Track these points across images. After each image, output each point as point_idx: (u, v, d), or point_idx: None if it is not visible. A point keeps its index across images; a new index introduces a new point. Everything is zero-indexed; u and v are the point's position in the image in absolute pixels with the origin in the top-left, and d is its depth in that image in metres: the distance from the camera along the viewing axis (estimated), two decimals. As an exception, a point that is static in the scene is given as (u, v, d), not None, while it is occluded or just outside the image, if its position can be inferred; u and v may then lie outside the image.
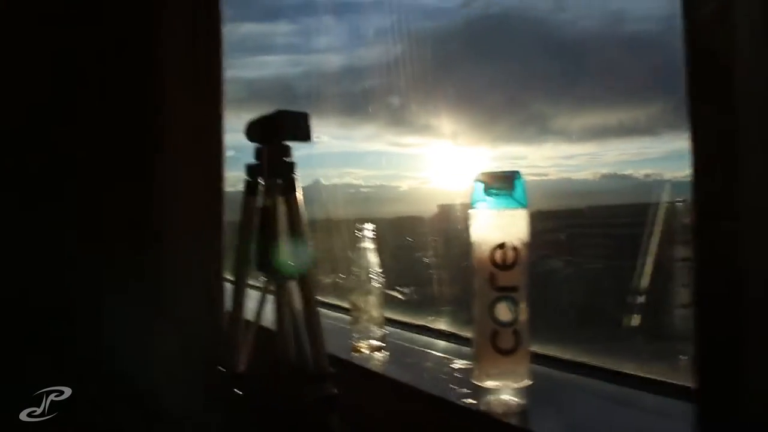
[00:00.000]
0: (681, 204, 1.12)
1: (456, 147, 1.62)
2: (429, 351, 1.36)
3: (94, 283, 1.59)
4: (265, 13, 2.49)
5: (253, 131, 1.11)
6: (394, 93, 1.79)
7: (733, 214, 0.77)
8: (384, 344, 1.35)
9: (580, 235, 1.46)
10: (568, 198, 1.43)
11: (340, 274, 1.85)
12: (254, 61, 2.56)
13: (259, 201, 1.12)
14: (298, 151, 1.15)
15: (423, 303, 1.63)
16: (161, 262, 1.64)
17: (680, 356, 1.06)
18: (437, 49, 1.65)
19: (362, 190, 1.96)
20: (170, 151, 1.66)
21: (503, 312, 0.93)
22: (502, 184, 0.95)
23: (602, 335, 1.28)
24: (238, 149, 1.74)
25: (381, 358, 1.32)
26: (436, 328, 1.51)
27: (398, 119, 1.82)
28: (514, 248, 0.93)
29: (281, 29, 2.49)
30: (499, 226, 0.93)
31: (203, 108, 1.68)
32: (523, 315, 0.94)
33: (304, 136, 1.10)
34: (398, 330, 1.54)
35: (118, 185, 1.67)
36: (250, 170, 1.14)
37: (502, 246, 0.92)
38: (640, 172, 1.29)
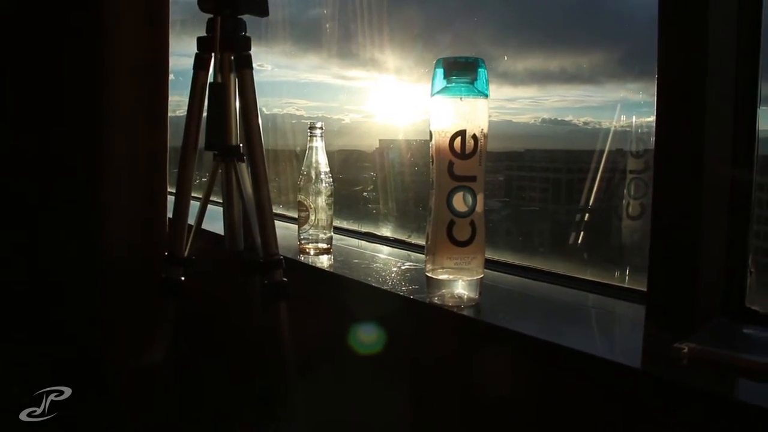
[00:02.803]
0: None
1: (400, 83, 1.59)
2: (377, 254, 1.34)
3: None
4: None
5: (206, 0, 1.03)
6: (341, 24, 1.74)
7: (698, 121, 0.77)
8: (330, 247, 1.32)
9: (517, 178, 1.46)
10: (508, 140, 1.42)
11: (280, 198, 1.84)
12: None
13: (211, 76, 1.06)
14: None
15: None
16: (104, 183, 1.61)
17: (629, 263, 1.08)
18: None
19: (304, 121, 1.91)
20: (114, 72, 1.60)
21: (460, 202, 0.91)
22: (465, 71, 0.91)
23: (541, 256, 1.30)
24: (178, 73, 1.75)
25: (328, 260, 1.29)
26: (383, 235, 1.50)
27: (344, 51, 1.77)
28: (474, 137, 0.90)
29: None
30: (459, 114, 0.90)
31: (148, 30, 1.60)
32: (480, 206, 0.92)
33: (261, 10, 1.03)
34: (345, 236, 1.52)
35: (64, 111, 1.64)
36: (202, 43, 1.07)
37: (462, 135, 0.89)
38: (579, 119, 1.29)
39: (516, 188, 1.46)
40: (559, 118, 1.32)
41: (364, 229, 1.56)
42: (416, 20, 1.56)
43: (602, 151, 1.18)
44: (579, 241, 1.22)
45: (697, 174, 0.78)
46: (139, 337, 1.21)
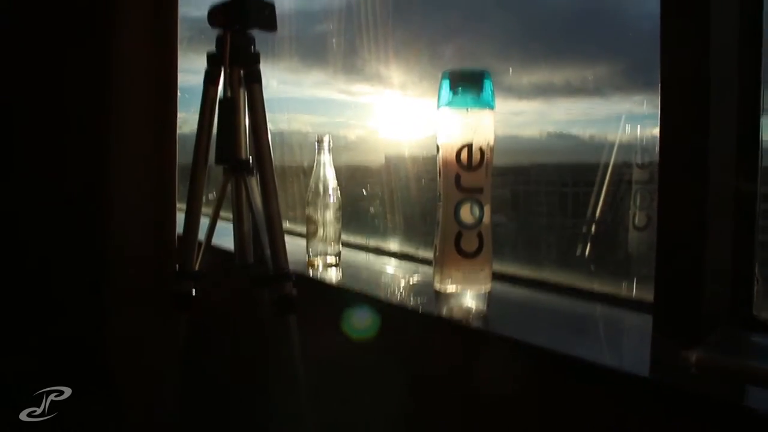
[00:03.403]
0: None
1: (405, 98, 1.59)
2: (385, 268, 1.34)
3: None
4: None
5: (215, 16, 1.05)
6: (346, 40, 1.74)
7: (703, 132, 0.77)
8: (339, 261, 1.32)
9: (524, 192, 1.46)
10: (514, 155, 1.41)
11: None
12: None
13: (220, 92, 1.07)
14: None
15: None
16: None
17: (635, 274, 1.08)
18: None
19: (309, 137, 1.90)
20: (123, 90, 1.62)
21: (467, 214, 0.91)
22: (471, 83, 0.92)
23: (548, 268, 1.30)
24: (185, 90, 1.72)
25: (336, 274, 1.29)
26: (390, 249, 1.50)
27: (349, 67, 1.78)
28: (481, 149, 0.91)
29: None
30: (466, 126, 0.91)
31: (157, 47, 1.62)
32: (487, 218, 0.92)
33: (269, 25, 1.04)
34: (353, 250, 1.52)
35: (73, 127, 1.66)
36: (211, 59, 1.08)
37: (468, 147, 0.90)
38: (585, 133, 1.29)
39: (522, 202, 1.46)
40: (565, 132, 1.32)
41: (371, 244, 1.56)
42: (421, 35, 1.58)
43: (607, 164, 1.19)
44: (586, 253, 1.22)
45: (702, 184, 0.78)
46: (147, 349, 1.21)
